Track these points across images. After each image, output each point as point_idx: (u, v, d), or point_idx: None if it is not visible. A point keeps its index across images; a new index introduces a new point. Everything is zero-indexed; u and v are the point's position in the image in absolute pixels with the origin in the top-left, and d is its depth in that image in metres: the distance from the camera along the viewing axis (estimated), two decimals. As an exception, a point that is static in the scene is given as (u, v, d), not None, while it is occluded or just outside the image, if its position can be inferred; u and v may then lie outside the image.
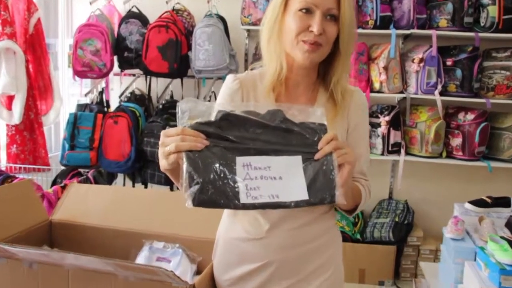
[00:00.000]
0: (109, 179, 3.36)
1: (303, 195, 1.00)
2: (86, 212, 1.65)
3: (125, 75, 3.45)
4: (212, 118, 1.04)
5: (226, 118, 1.05)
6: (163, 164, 1.02)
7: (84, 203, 1.69)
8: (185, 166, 0.98)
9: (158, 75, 3.23)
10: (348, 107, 1.23)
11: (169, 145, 0.99)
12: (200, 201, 0.97)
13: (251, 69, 1.32)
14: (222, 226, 1.30)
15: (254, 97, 1.23)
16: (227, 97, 1.24)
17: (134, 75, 3.43)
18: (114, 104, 3.46)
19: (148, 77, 3.34)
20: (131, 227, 1.60)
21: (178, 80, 3.34)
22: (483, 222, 2.19)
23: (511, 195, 2.68)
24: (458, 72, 3.01)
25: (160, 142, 1.02)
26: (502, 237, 2.00)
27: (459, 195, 3.26)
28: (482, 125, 2.97)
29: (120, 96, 3.44)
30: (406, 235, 3.08)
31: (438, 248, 3.09)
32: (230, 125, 1.05)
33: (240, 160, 1.02)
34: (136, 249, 1.58)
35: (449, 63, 3.03)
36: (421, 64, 2.99)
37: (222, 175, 0.99)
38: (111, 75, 3.39)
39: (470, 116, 3.02)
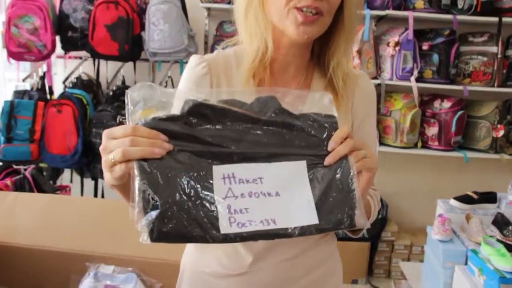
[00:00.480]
0: (54, 175, 2.97)
1: (311, 218, 0.71)
2: (12, 228, 1.30)
3: (69, 57, 3.04)
4: (177, 112, 0.74)
5: (198, 111, 0.74)
6: (107, 178, 0.71)
7: (10, 217, 1.33)
8: (137, 182, 0.67)
9: (107, 57, 2.85)
10: (352, 96, 0.94)
11: (113, 151, 0.68)
12: (161, 234, 0.66)
13: (223, 48, 1.00)
14: (188, 254, 0.99)
15: (228, 85, 0.92)
16: (192, 86, 0.92)
17: (80, 57, 3.02)
18: (57, 91, 3.05)
19: (96, 60, 2.95)
20: (71, 247, 1.27)
21: (130, 64, 2.96)
22: (471, 220, 1.99)
23: (487, 186, 2.53)
24: (435, 57, 2.80)
25: (101, 147, 0.70)
26: (498, 240, 1.80)
27: (434, 187, 3.12)
28: (459, 113, 2.80)
29: (64, 82, 3.02)
30: (381, 230, 2.88)
31: (413, 243, 2.92)
32: (204, 121, 0.74)
33: (218, 171, 0.72)
34: (78, 275, 1.25)
35: (425, 47, 2.81)
36: (397, 48, 2.76)
37: (192, 193, 0.69)
38: (53, 57, 2.97)
39: (447, 104, 2.83)
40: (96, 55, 2.85)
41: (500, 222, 2.02)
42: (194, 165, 0.71)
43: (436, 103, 2.87)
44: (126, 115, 0.73)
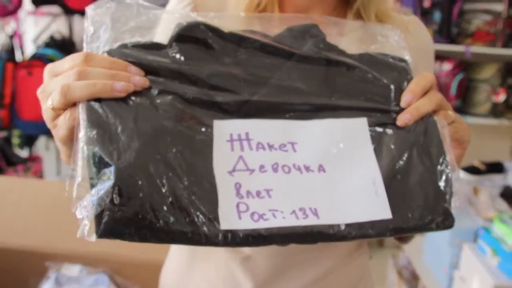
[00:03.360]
0: (27, 143, 2.67)
1: (380, 210, 0.43)
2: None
3: (41, 14, 2.69)
4: (158, 40, 0.47)
5: (195, 37, 0.46)
6: (54, 133, 0.45)
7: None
8: (80, 133, 0.40)
9: (82, 13, 2.51)
10: None
11: (53, 92, 0.42)
12: (114, 224, 0.38)
13: None
14: (169, 272, 0.71)
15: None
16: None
17: (52, 14, 2.67)
18: (28, 51, 2.70)
19: (70, 16, 2.61)
20: (28, 244, 1.00)
21: (107, 21, 2.62)
22: (480, 194, 1.78)
23: (485, 153, 2.33)
24: (437, 15, 2.52)
25: (39, 89, 0.44)
26: (512, 217, 1.59)
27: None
28: (460, 76, 2.55)
29: (35, 41, 2.68)
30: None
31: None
32: (203, 52, 0.46)
33: (223, 128, 0.44)
34: (36, 277, 0.99)
35: (426, 4, 2.53)
36: (397, 4, 2.48)
37: (176, 161, 0.41)
38: (22, 14, 2.62)
39: (447, 66, 2.58)
40: (68, 11, 2.51)
41: (509, 195, 1.82)
42: (182, 116, 0.43)
43: (436, 65, 2.61)
44: (84, 44, 0.45)
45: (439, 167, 0.46)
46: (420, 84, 0.48)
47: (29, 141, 2.68)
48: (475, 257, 1.56)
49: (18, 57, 2.63)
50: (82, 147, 0.40)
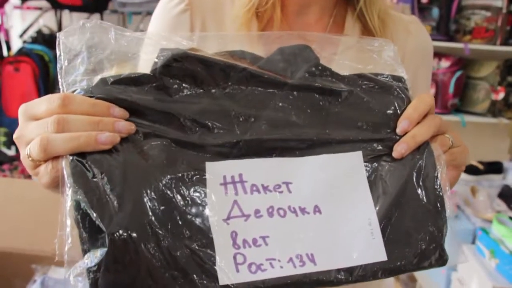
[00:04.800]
0: (14, 141, 2.64)
1: (375, 252, 0.43)
2: None
3: (28, 8, 2.65)
4: (145, 69, 0.44)
5: (181, 68, 0.44)
6: (37, 179, 0.42)
7: None
8: (67, 197, 0.38)
9: (70, 8, 2.48)
10: (403, 47, 0.64)
11: (31, 140, 0.40)
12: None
13: None
14: None
15: (219, 30, 0.61)
16: (165, 30, 0.61)
17: (39, 8, 2.63)
18: (15, 46, 2.67)
19: (58, 11, 2.58)
20: (13, 246, 1.00)
21: (96, 16, 2.60)
22: (478, 194, 1.79)
23: (483, 152, 2.34)
24: (435, 12, 2.52)
25: (15, 134, 0.42)
26: (511, 217, 1.60)
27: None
28: (458, 73, 2.55)
29: (21, 36, 2.65)
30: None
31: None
32: (190, 85, 0.44)
33: (215, 171, 0.43)
34: (22, 280, 0.99)
35: (424, 0, 2.53)
36: (394, 0, 2.47)
37: (169, 214, 0.40)
38: (8, 8, 2.59)
39: (445, 64, 2.58)
40: (57, 5, 2.48)
41: (507, 195, 1.82)
42: (173, 162, 0.41)
43: (434, 62, 2.62)
44: (59, 78, 0.43)
45: (435, 205, 0.45)
46: (417, 108, 0.46)
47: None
48: (473, 259, 1.57)
49: (4, 52, 2.60)
50: (70, 210, 0.38)
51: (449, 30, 2.53)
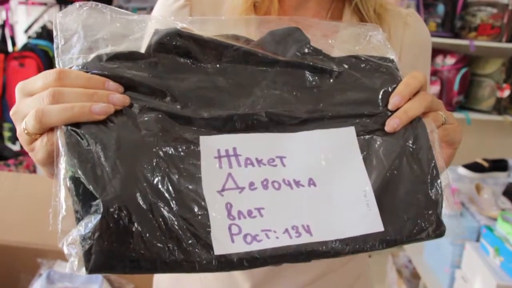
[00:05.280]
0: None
1: (371, 223, 0.43)
2: None
3: (32, 3, 2.65)
4: (140, 48, 0.45)
5: (174, 45, 0.45)
6: (32, 156, 0.43)
7: None
8: (61, 166, 0.39)
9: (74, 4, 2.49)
10: (400, 40, 0.64)
11: (27, 114, 0.40)
12: (104, 259, 0.37)
13: None
14: (161, 280, 0.72)
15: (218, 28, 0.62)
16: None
17: (44, 3, 2.64)
18: (20, 42, 2.68)
19: (63, 6, 2.59)
20: (19, 240, 1.00)
21: (101, 12, 2.60)
22: (482, 192, 1.78)
23: (488, 150, 2.33)
24: (440, 8, 2.51)
25: (12, 110, 0.43)
26: (516, 216, 1.60)
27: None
28: (463, 71, 2.54)
29: (26, 31, 2.65)
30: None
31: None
32: (183, 62, 0.45)
33: (209, 144, 0.43)
34: (28, 274, 0.99)
35: (430, -4, 2.52)
36: (400, -3, 2.46)
37: (164, 185, 0.40)
38: (13, 3, 2.59)
39: (450, 61, 2.57)
40: (62, 1, 2.49)
41: (512, 192, 1.82)
42: (167, 135, 0.42)
43: (439, 59, 2.61)
44: (55, 56, 0.43)
45: (429, 175, 0.46)
46: (409, 85, 0.47)
47: (20, 134, 2.67)
48: (478, 257, 1.57)
49: (9, 48, 2.61)
50: (64, 179, 0.39)
51: (455, 26, 2.52)
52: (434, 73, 2.59)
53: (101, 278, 0.98)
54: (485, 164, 1.91)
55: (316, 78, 0.48)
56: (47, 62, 2.49)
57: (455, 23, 2.52)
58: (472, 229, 1.69)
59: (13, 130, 2.62)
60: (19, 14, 2.77)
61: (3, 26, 2.62)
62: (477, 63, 2.63)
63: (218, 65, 0.46)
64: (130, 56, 0.44)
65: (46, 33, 2.64)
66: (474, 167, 1.92)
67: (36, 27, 2.66)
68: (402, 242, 0.45)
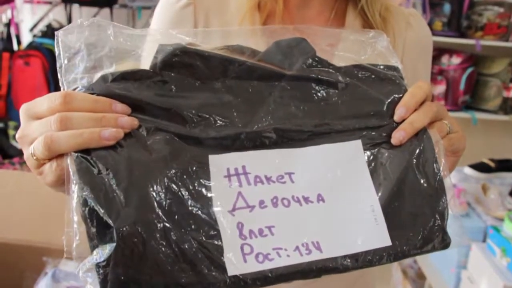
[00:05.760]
0: (24, 135, 2.66)
1: (379, 237, 0.44)
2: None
3: (38, 2, 2.66)
4: (144, 65, 0.45)
5: (180, 63, 0.44)
6: (40, 179, 0.42)
7: None
8: (73, 194, 0.38)
9: (80, 2, 2.50)
10: (402, 41, 0.64)
11: (34, 139, 0.40)
12: (120, 285, 0.37)
13: None
14: None
15: (222, 25, 0.61)
16: (167, 26, 0.62)
17: (50, 2, 2.64)
18: (25, 40, 2.69)
19: (68, 5, 2.59)
20: (24, 238, 1.00)
21: (106, 11, 2.60)
22: (489, 192, 1.77)
23: (494, 150, 2.32)
24: (446, 7, 2.50)
25: (18, 134, 0.42)
26: (523, 217, 1.59)
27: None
28: (469, 70, 2.53)
29: (31, 30, 2.66)
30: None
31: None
32: (190, 80, 0.45)
33: (219, 163, 0.43)
34: (33, 272, 0.99)
35: (436, -5, 2.50)
36: (406, -4, 2.45)
37: (175, 207, 0.40)
38: (18, 1, 2.60)
39: (456, 60, 2.56)
40: (67, 0, 2.50)
41: (519, 193, 1.81)
42: (176, 156, 0.41)
43: (444, 59, 2.59)
44: (59, 76, 0.43)
45: (435, 188, 0.46)
46: (414, 96, 0.47)
47: (25, 133, 2.67)
48: (484, 257, 1.56)
49: (15, 46, 2.61)
50: (77, 207, 0.39)
51: (461, 26, 2.51)
52: (440, 72, 2.58)
53: (106, 277, 0.97)
54: (492, 164, 1.90)
55: (323, 91, 0.48)
56: (52, 60, 2.50)
57: (461, 23, 2.50)
58: (478, 230, 1.68)
59: (18, 128, 2.62)
60: (25, 12, 2.78)
61: (8, 24, 2.63)
62: (484, 63, 2.62)
63: (224, 82, 0.46)
64: (136, 76, 0.43)
65: (51, 32, 2.65)
66: (480, 167, 1.91)
67: (41, 26, 2.67)
68: (409, 255, 0.45)
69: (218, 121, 0.44)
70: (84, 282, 0.38)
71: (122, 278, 0.37)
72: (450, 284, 1.73)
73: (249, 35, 0.54)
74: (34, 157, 0.40)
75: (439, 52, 2.64)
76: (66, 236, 0.39)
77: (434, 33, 2.52)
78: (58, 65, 0.43)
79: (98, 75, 0.43)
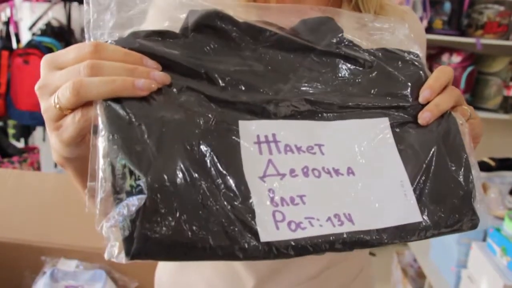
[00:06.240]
0: (24, 134, 2.65)
1: (410, 212, 0.44)
2: None
3: (37, 0, 2.66)
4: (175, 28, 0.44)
5: (212, 26, 0.44)
6: (54, 145, 0.40)
7: None
8: (101, 140, 0.37)
9: (80, 0, 2.49)
10: None
11: (58, 87, 0.38)
12: (147, 244, 0.35)
13: None
14: (163, 266, 0.71)
15: None
16: (160, 18, 0.61)
17: (49, 0, 2.64)
18: (24, 39, 2.68)
19: (67, 3, 2.58)
20: (23, 238, 1.00)
21: (106, 9, 2.60)
22: (489, 191, 1.77)
23: (494, 149, 2.31)
24: (447, 6, 2.49)
25: (37, 84, 0.40)
26: (523, 216, 1.58)
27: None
28: (469, 69, 2.52)
29: (30, 28, 2.65)
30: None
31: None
32: (221, 44, 0.44)
33: (249, 129, 0.42)
34: (32, 271, 0.99)
35: (436, -6, 2.50)
36: (406, -5, 2.44)
37: (206, 168, 0.39)
38: (17, 0, 2.60)
39: (456, 59, 2.55)
40: (66, -2, 2.49)
41: (519, 192, 1.80)
42: (207, 117, 0.40)
43: (445, 58, 2.59)
44: (85, 32, 0.41)
45: (462, 167, 0.46)
46: (439, 79, 0.47)
47: (25, 132, 2.66)
48: (484, 256, 1.55)
49: (14, 45, 2.60)
50: (104, 156, 0.36)
51: (461, 24, 2.50)
52: (440, 71, 2.58)
53: (105, 276, 0.97)
54: (492, 163, 1.90)
55: (351, 68, 0.48)
56: (52, 59, 2.49)
57: (462, 21, 2.50)
58: (478, 229, 1.67)
59: (17, 127, 2.62)
60: (24, 11, 2.77)
61: (7, 23, 2.62)
62: (484, 61, 2.61)
63: (255, 50, 0.46)
64: (168, 35, 0.43)
65: (50, 30, 2.64)
66: (480, 166, 1.90)
67: (41, 24, 2.66)
68: (439, 233, 0.45)
69: (249, 88, 0.44)
70: (107, 239, 0.35)
71: (149, 235, 0.35)
72: (450, 283, 1.72)
73: (243, 13, 0.53)
74: (58, 106, 0.37)
75: (439, 50, 2.63)
76: (88, 191, 0.36)
77: (435, 31, 2.52)
78: (85, 20, 0.41)
79: (127, 32, 0.42)
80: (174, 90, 0.41)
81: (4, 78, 2.48)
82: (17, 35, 2.65)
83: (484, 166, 1.91)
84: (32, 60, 2.46)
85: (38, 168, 2.22)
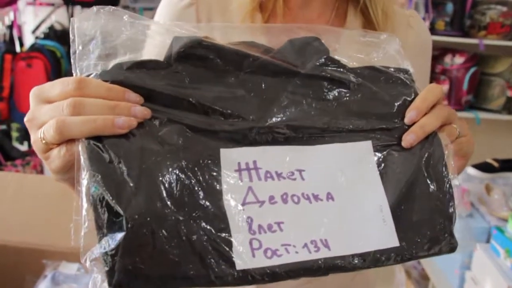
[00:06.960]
0: (27, 137, 2.66)
1: (387, 238, 0.44)
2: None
3: (40, 4, 2.67)
4: (151, 57, 0.45)
5: (195, 55, 0.44)
6: (46, 164, 0.41)
7: None
8: (83, 180, 0.38)
9: (82, 4, 2.49)
10: (404, 43, 0.64)
11: (44, 123, 0.39)
12: (127, 275, 0.37)
13: None
14: None
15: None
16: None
17: (52, 4, 2.65)
18: (27, 42, 2.69)
19: (70, 7, 2.59)
20: (24, 241, 1.00)
21: (108, 12, 2.60)
22: (492, 192, 1.76)
23: (497, 150, 2.30)
24: (449, 7, 2.48)
25: (26, 117, 0.42)
26: (527, 217, 1.57)
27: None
28: (472, 70, 2.51)
29: (34, 32, 2.66)
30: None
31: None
32: (205, 72, 0.44)
33: (230, 158, 0.43)
34: (33, 275, 0.99)
35: (439, -5, 2.49)
36: (408, -4, 2.44)
37: (185, 199, 0.40)
38: (21, 4, 2.61)
39: (459, 60, 2.54)
40: (69, 1, 2.50)
41: (523, 193, 1.79)
42: (188, 148, 0.41)
43: (447, 59, 2.58)
44: (72, 62, 0.42)
45: (443, 192, 0.46)
46: (426, 99, 0.47)
47: (28, 135, 2.67)
48: (488, 258, 1.54)
49: (17, 48, 2.62)
50: (87, 194, 0.38)
51: (464, 25, 2.49)
52: (443, 72, 2.57)
53: (107, 279, 0.96)
54: (495, 164, 1.88)
55: (335, 90, 0.48)
56: (55, 62, 2.50)
57: (464, 22, 2.49)
58: (482, 230, 1.66)
59: (20, 130, 2.63)
60: (27, 14, 2.78)
61: (11, 26, 2.63)
62: (487, 62, 2.60)
63: (238, 76, 0.46)
64: (150, 65, 0.43)
65: (53, 34, 2.65)
66: (484, 167, 1.90)
67: (44, 28, 2.67)
68: (416, 257, 0.45)
69: (231, 115, 0.44)
70: (90, 271, 0.38)
71: (130, 268, 0.37)
72: (454, 285, 1.71)
73: (249, 33, 0.54)
74: (44, 141, 0.39)
75: (442, 51, 2.62)
76: (74, 224, 0.38)
77: (437, 32, 2.51)
78: (72, 51, 0.42)
79: (112, 63, 0.42)
80: (156, 122, 0.42)
81: (8, 82, 2.49)
82: (20, 39, 2.67)
83: (487, 167, 1.90)
84: (35, 64, 2.47)
85: (41, 171, 2.23)
